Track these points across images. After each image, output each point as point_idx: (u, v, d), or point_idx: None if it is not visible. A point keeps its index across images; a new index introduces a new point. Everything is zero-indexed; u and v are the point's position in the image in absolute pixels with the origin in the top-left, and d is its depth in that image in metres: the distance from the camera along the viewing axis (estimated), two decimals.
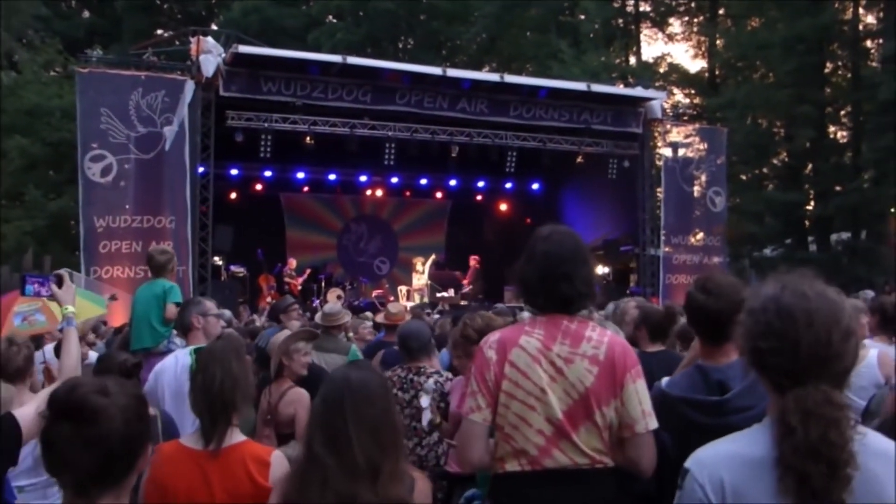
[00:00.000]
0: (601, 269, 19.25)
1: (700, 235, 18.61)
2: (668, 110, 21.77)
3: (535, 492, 2.96)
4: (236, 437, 3.12)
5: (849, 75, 27.16)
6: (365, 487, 2.42)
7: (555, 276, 3.09)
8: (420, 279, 19.64)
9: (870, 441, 1.88)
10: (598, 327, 3.14)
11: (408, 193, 22.99)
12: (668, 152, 18.39)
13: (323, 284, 19.35)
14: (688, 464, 1.97)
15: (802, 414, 1.83)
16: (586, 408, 2.95)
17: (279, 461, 3.07)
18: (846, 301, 1.96)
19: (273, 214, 21.77)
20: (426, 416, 5.12)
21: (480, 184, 22.52)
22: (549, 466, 2.95)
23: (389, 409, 2.59)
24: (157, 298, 7.57)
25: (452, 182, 22.25)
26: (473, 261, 20.41)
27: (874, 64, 26.37)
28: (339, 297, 16.94)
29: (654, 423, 2.99)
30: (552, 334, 3.04)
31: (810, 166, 27.72)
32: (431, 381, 5.53)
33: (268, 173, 20.47)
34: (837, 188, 25.66)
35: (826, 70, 27.41)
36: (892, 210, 25.29)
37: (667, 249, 18.13)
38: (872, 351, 3.79)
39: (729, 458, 1.93)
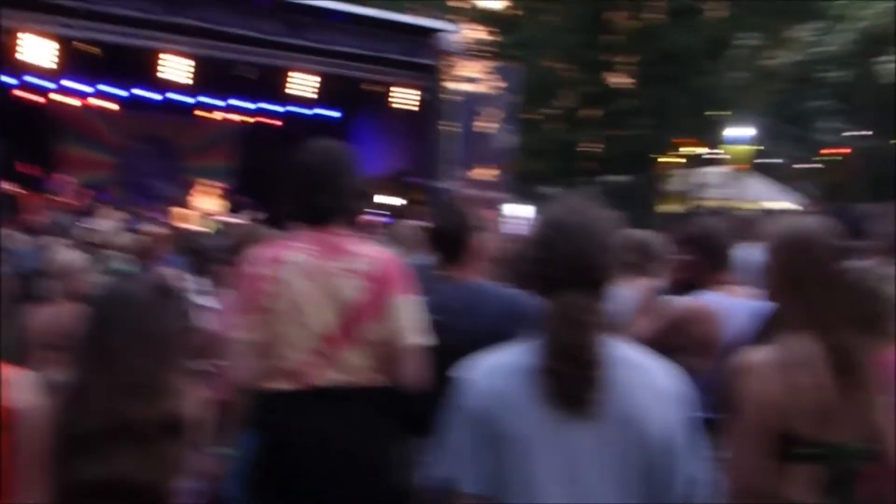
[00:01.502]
0: (391, 201, 19.33)
1: (487, 171, 19.01)
2: (463, 45, 21.96)
3: (301, 410, 2.92)
4: None
5: (635, 24, 28.29)
6: (134, 403, 2.32)
7: (309, 185, 3.04)
8: (209, 202, 19.03)
9: (623, 352, 2.00)
10: (366, 243, 3.12)
11: (195, 113, 21.99)
12: (460, 87, 18.58)
13: (99, 204, 18.35)
14: (459, 374, 2.05)
15: (556, 317, 1.93)
16: (354, 323, 2.92)
17: (22, 380, 2.86)
18: (612, 221, 2.07)
19: (48, 128, 20.30)
20: None
21: (272, 108, 21.87)
22: (315, 384, 2.91)
23: (161, 321, 2.49)
24: None
25: (243, 104, 21.49)
26: None
27: (661, 16, 27.61)
28: (117, 218, 16.19)
29: (422, 340, 2.99)
30: (319, 249, 2.98)
31: (594, 110, 28.89)
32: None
33: (46, 84, 19.03)
34: (618, 133, 26.90)
35: (614, 17, 28.44)
36: (662, 157, 26.89)
37: (455, 183, 18.43)
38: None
39: (499, 367, 2.02)
